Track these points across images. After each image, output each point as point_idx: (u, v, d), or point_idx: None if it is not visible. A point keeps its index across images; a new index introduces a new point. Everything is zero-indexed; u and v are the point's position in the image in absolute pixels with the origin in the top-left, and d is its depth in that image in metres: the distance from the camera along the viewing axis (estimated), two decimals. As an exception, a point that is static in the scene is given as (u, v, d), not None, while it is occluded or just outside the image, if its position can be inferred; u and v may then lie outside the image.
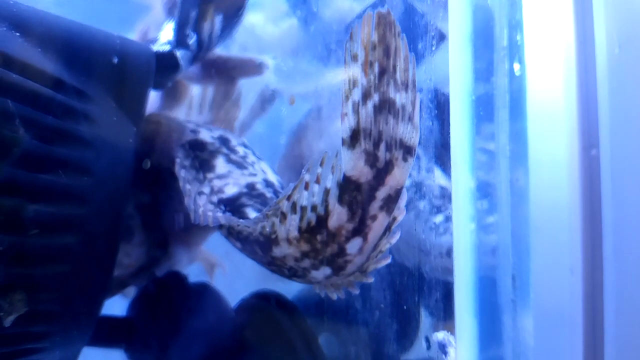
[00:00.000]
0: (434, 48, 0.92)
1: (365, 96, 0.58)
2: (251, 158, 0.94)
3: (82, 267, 0.76)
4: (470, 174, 0.84)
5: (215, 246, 1.23)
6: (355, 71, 0.57)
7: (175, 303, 0.98)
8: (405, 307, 0.99)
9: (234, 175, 0.88)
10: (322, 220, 0.65)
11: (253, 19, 1.34)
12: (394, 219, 0.67)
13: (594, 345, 0.73)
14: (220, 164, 0.89)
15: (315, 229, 0.66)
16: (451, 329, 0.85)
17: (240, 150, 0.94)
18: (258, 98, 1.26)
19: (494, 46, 0.85)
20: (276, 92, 1.25)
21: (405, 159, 0.61)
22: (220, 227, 0.79)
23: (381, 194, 0.62)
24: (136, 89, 0.85)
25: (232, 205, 0.82)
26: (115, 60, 0.83)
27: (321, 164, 0.64)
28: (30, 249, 0.71)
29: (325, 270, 0.70)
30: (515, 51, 0.82)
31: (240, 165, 0.90)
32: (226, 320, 0.99)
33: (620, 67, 0.75)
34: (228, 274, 1.26)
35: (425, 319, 1.00)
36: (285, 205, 0.68)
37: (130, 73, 0.84)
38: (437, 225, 1.00)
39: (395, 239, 0.70)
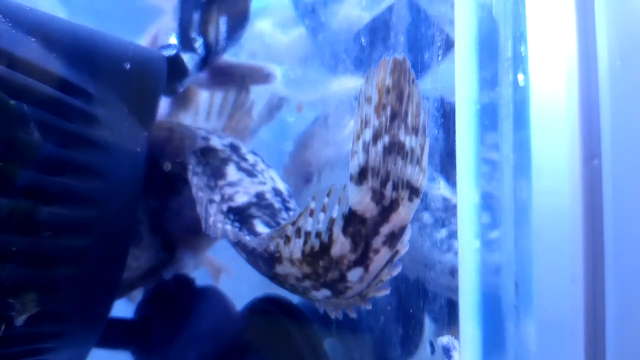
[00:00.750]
0: (440, 58, 0.93)
1: (376, 137, 0.59)
2: (260, 166, 0.95)
3: (93, 269, 0.77)
4: (475, 181, 0.84)
5: (221, 250, 1.24)
6: (368, 112, 0.59)
7: (183, 306, 0.99)
8: (410, 312, 1.00)
9: (244, 183, 0.89)
10: (325, 247, 0.66)
11: (261, 25, 1.35)
12: (397, 252, 0.68)
13: (595, 352, 0.73)
14: (231, 172, 0.90)
15: (318, 254, 0.67)
16: (455, 334, 0.85)
17: (250, 158, 0.95)
18: (266, 105, 1.27)
19: (498, 57, 0.86)
20: (284, 99, 1.26)
21: (411, 199, 0.62)
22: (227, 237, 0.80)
23: (385, 230, 0.63)
24: (148, 94, 0.86)
25: (241, 215, 0.83)
26: (128, 66, 0.84)
27: (328, 194, 0.65)
28: (43, 251, 0.73)
29: (325, 292, 0.71)
30: (519, 62, 0.83)
31: (250, 173, 0.92)
32: (232, 324, 0.99)
33: (621, 79, 0.75)
34: (234, 278, 1.26)
35: (429, 324, 1.01)
36: (290, 230, 0.69)
37: (142, 79, 0.85)
38: (441, 240, 1.01)
39: (397, 271, 0.71)
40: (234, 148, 0.96)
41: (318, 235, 0.66)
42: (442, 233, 1.02)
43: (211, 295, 1.04)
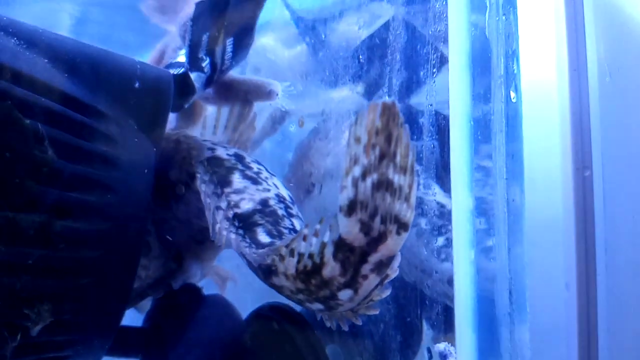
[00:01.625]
0: (435, 75, 0.95)
1: (365, 173, 0.60)
2: (264, 174, 0.97)
3: (105, 280, 0.79)
4: (469, 194, 0.86)
5: (227, 259, 1.26)
6: (357, 152, 0.60)
7: (191, 314, 1.01)
8: (408, 320, 1.01)
9: (249, 190, 0.91)
10: (317, 268, 0.67)
11: (264, 41, 1.37)
12: (387, 276, 0.68)
13: (589, 357, 0.76)
14: (237, 180, 0.92)
15: (310, 273, 0.68)
16: (451, 341, 0.87)
17: (254, 166, 0.97)
18: (269, 118, 1.30)
19: (491, 74, 0.88)
20: (286, 113, 1.28)
21: (398, 233, 0.63)
22: (230, 245, 0.82)
23: (373, 259, 0.64)
24: (156, 111, 0.88)
25: (245, 222, 0.85)
26: (137, 84, 0.86)
27: (320, 222, 0.66)
28: (58, 262, 0.75)
29: (318, 306, 0.73)
30: (511, 79, 0.85)
31: (255, 180, 0.93)
32: (238, 332, 1.01)
33: (611, 94, 0.78)
34: (242, 286, 1.28)
35: (427, 331, 1.02)
36: (284, 251, 0.71)
37: (150, 97, 0.87)
38: (439, 248, 1.02)
39: (386, 293, 0.71)
40: (238, 157, 0.98)
41: (311, 256, 0.67)
42: (440, 241, 1.04)
43: (218, 303, 1.05)
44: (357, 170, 0.60)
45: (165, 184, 0.96)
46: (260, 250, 0.77)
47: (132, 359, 1.03)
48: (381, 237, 0.62)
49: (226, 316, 1.04)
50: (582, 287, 0.77)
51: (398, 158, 0.60)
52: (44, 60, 0.79)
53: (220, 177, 0.92)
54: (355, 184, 0.60)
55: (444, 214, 1.03)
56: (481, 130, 0.88)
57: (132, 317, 1.02)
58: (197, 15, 0.96)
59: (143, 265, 0.98)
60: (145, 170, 0.84)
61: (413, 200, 0.62)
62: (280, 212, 0.88)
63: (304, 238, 0.68)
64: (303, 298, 0.73)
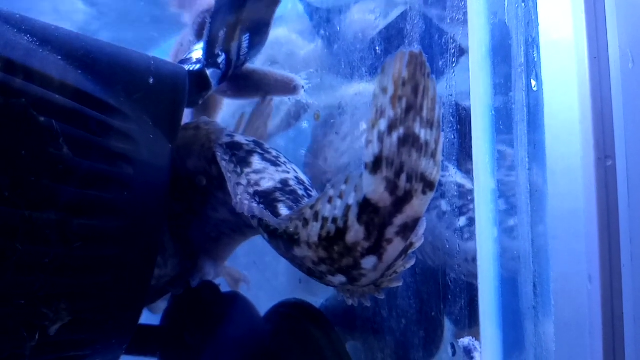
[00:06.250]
0: (454, 64, 0.94)
1: (391, 127, 0.59)
2: (283, 159, 0.96)
3: (122, 278, 0.79)
4: (492, 186, 0.85)
5: (242, 257, 1.25)
6: (383, 103, 0.58)
7: (209, 312, 1.01)
8: (431, 314, 1.01)
9: (269, 171, 0.89)
10: (340, 233, 0.65)
11: (279, 32, 1.37)
12: (411, 244, 0.67)
13: (614, 350, 0.74)
14: (256, 161, 0.91)
15: (333, 239, 0.66)
16: (476, 335, 0.86)
17: (273, 152, 0.97)
18: (286, 114, 1.29)
19: (511, 63, 0.87)
20: (302, 107, 1.27)
21: (424, 192, 0.61)
22: (252, 217, 0.80)
23: (398, 220, 0.62)
24: (171, 107, 0.88)
25: (267, 199, 0.83)
26: (151, 80, 0.86)
27: (346, 182, 0.65)
28: (74, 261, 0.74)
29: (341, 278, 0.71)
30: (532, 67, 0.84)
31: (274, 163, 0.92)
32: (257, 329, 1.01)
33: (634, 81, 0.76)
34: (257, 284, 1.28)
35: (449, 326, 1.02)
36: (308, 213, 0.69)
37: (165, 93, 0.87)
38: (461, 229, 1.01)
39: (410, 264, 0.70)
40: (257, 143, 0.97)
41: (334, 221, 0.66)
42: (462, 221, 1.02)
43: (237, 301, 1.05)
44: (382, 124, 0.59)
45: (183, 174, 0.96)
46: (284, 216, 0.76)
47: (150, 357, 1.03)
48: (406, 197, 0.61)
49: (245, 314, 1.04)
50: (606, 279, 0.76)
51: (425, 111, 0.59)
52: (57, 57, 0.79)
53: (240, 158, 0.91)
54: (381, 139, 0.59)
55: (464, 194, 1.01)
56: (503, 120, 0.87)
57: (146, 317, 1.02)
58: (216, 11, 0.96)
59: (159, 264, 0.98)
60: (162, 167, 0.84)
61: (439, 156, 0.61)
62: (301, 192, 0.87)
63: (330, 200, 0.66)
64: (325, 270, 0.71)
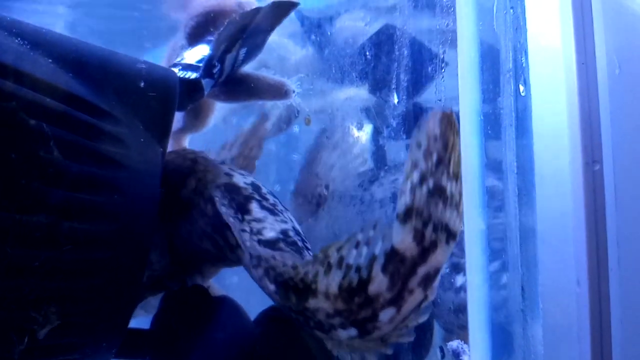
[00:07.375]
0: (443, 70, 0.95)
1: (422, 180, 0.61)
2: (280, 207, 0.95)
3: (113, 281, 0.79)
4: (479, 189, 0.85)
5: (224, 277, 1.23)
6: (417, 156, 0.61)
7: (199, 316, 1.00)
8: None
9: (269, 220, 0.89)
10: (363, 284, 0.65)
11: (271, 37, 1.37)
12: (426, 297, 0.67)
13: (602, 353, 0.75)
14: (256, 209, 0.90)
15: (354, 290, 0.66)
16: (464, 338, 0.86)
17: (270, 198, 0.95)
18: (277, 118, 1.29)
19: (500, 68, 0.88)
20: (293, 112, 1.27)
21: (447, 242, 0.63)
22: (258, 265, 0.80)
23: (422, 270, 0.63)
24: (162, 111, 0.87)
25: (272, 249, 0.82)
26: (142, 84, 0.86)
27: (374, 228, 0.65)
28: (65, 264, 0.74)
29: (352, 332, 0.69)
30: (520, 73, 0.85)
31: (272, 211, 0.92)
32: (247, 333, 1.00)
33: (620, 87, 0.77)
34: (247, 288, 1.27)
35: (438, 329, 1.02)
36: (334, 257, 0.68)
37: (155, 96, 0.86)
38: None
39: (423, 318, 0.69)
40: (255, 187, 0.96)
41: (358, 270, 0.65)
42: None
43: (226, 305, 1.05)
44: (415, 176, 0.61)
45: (174, 202, 0.95)
46: (307, 257, 0.75)
47: (140, 361, 1.02)
48: (431, 247, 0.62)
49: (235, 317, 1.03)
50: (594, 282, 0.76)
51: (452, 165, 0.61)
52: (48, 60, 0.78)
53: (239, 204, 0.90)
54: (413, 190, 0.61)
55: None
56: (491, 125, 0.88)
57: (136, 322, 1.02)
58: (225, 31, 0.95)
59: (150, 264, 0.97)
60: (152, 170, 0.84)
61: (462, 208, 0.63)
62: (300, 244, 0.86)
63: (357, 244, 0.67)
64: (337, 322, 0.69)
